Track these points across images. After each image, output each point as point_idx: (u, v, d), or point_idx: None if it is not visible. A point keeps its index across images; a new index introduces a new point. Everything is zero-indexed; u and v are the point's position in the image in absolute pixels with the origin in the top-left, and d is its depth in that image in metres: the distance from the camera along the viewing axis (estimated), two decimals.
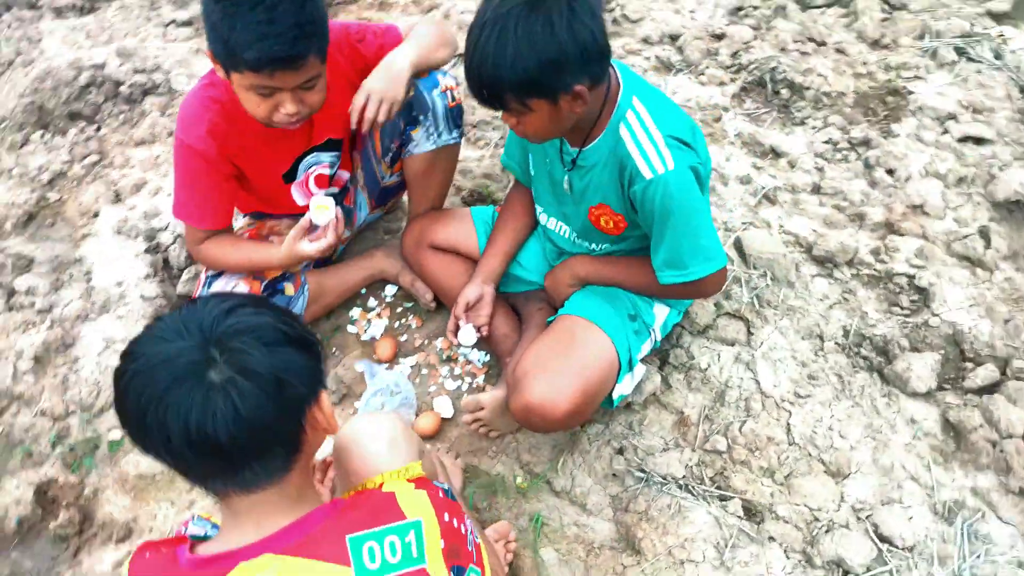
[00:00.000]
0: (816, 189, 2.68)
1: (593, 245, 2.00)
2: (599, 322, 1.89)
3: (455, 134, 2.14)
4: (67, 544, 1.86)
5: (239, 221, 2.33)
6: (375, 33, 2.00)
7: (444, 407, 2.11)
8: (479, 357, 2.26)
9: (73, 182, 2.84)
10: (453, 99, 2.09)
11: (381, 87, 1.89)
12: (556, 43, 1.48)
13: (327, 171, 2.14)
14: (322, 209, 1.87)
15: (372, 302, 2.42)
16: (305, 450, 1.12)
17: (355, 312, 2.38)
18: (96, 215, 2.70)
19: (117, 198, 2.75)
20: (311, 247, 1.88)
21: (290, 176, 2.08)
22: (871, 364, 2.14)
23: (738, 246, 2.40)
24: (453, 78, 2.13)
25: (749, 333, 2.20)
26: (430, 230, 2.26)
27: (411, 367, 2.25)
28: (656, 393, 2.07)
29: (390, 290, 2.44)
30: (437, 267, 2.24)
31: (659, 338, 2.01)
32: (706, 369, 2.11)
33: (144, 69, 3.27)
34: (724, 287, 2.29)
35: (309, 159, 2.08)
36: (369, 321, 2.37)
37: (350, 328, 2.35)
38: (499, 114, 1.74)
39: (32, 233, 2.66)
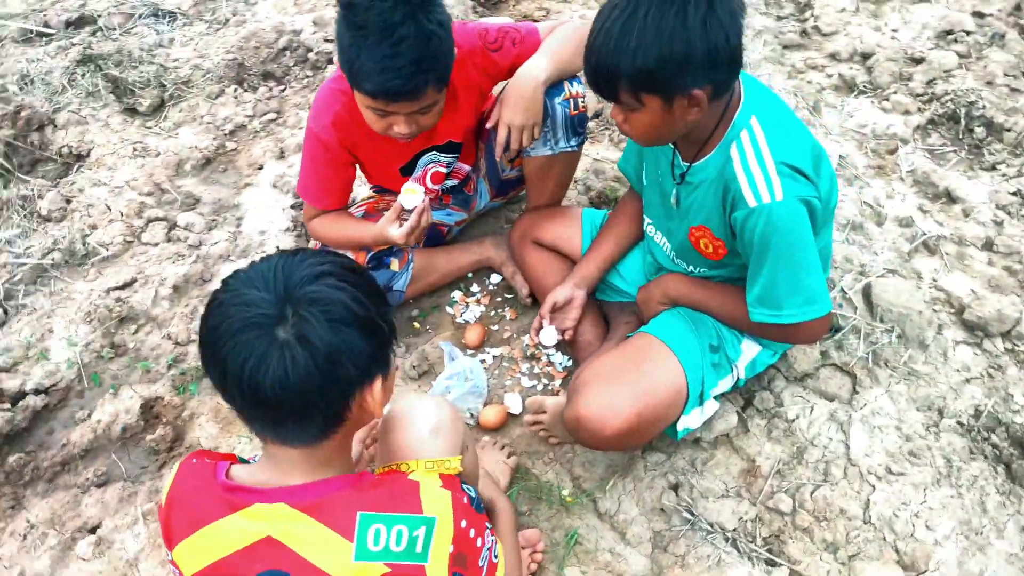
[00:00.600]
0: (988, 245, 2.35)
1: (691, 267, 1.89)
2: (674, 347, 1.79)
3: (573, 142, 2.10)
4: (157, 457, 2.08)
5: (363, 191, 2.46)
6: (514, 40, 2.00)
7: (513, 403, 2.10)
8: (561, 360, 2.23)
9: (250, 135, 3.13)
10: (576, 107, 2.04)
11: (520, 120, 1.93)
12: (685, 37, 1.39)
13: (443, 169, 2.21)
14: (410, 193, 1.92)
15: (475, 288, 2.46)
16: (346, 425, 1.16)
17: (456, 294, 2.43)
18: (261, 168, 2.97)
19: (281, 155, 2.99)
20: (397, 231, 1.95)
21: (407, 170, 2.17)
22: (999, 455, 1.85)
23: (867, 293, 2.16)
24: (581, 84, 2.09)
25: (854, 391, 1.98)
26: (536, 226, 2.25)
27: (494, 357, 2.26)
28: (729, 434, 1.93)
29: (495, 279, 2.46)
30: (536, 263, 2.23)
31: (743, 376, 1.87)
32: (793, 420, 1.93)
33: (333, 39, 3.52)
34: (838, 336, 2.08)
35: (427, 157, 2.16)
36: (467, 305, 2.41)
37: (448, 309, 2.40)
38: None
39: (206, 176, 2.97)
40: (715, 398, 1.86)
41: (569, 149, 2.12)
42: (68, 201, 2.80)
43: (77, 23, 3.78)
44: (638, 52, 1.42)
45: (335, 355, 1.06)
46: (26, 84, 3.32)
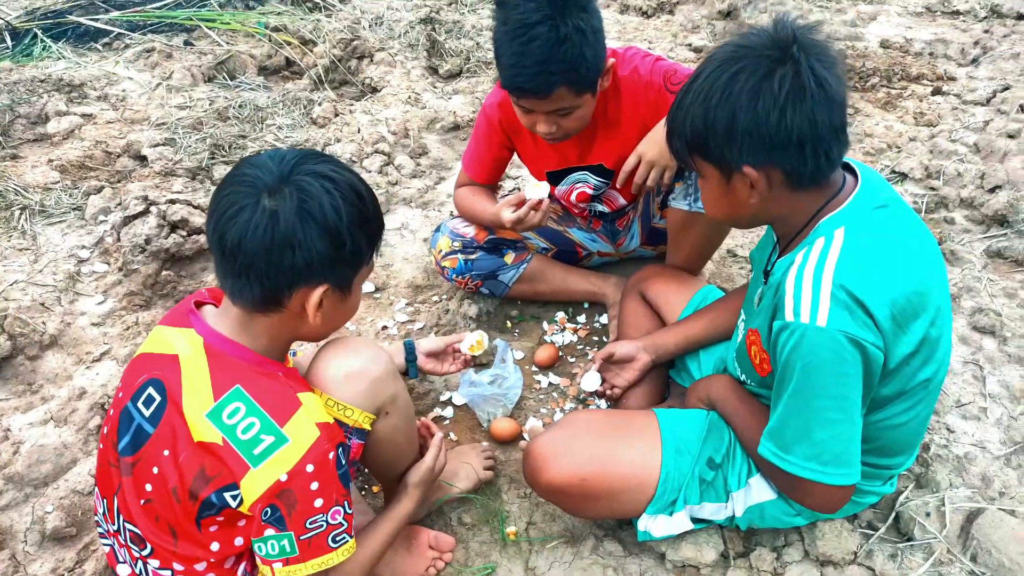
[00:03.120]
0: None
1: (742, 375, 1.65)
2: (665, 438, 1.60)
3: None
4: None
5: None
6: None
7: (533, 428, 2.02)
8: None
9: None
10: None
11: (653, 154, 1.87)
12: (729, 106, 1.28)
13: (590, 191, 2.20)
14: (536, 186, 1.97)
15: (581, 318, 2.39)
16: (284, 314, 1.26)
17: (560, 315, 2.39)
18: None
19: None
20: (510, 215, 1.99)
21: (555, 178, 2.20)
22: None
23: (971, 519, 1.67)
24: None
25: None
26: (649, 279, 2.14)
27: (550, 384, 2.19)
28: (700, 570, 1.65)
29: (605, 319, 2.37)
30: (629, 313, 2.12)
31: (738, 515, 1.59)
32: None
33: None
34: (903, 545, 1.65)
35: (577, 175, 2.17)
36: (563, 329, 2.36)
37: (545, 324, 2.37)
38: None
39: (445, 137, 3.28)
40: (694, 520, 1.61)
41: (704, 211, 1.96)
42: (336, 115, 3.29)
43: None
44: (690, 111, 1.34)
45: (289, 239, 1.17)
46: (375, 24, 3.96)
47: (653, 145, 1.87)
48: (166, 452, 1.24)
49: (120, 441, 1.30)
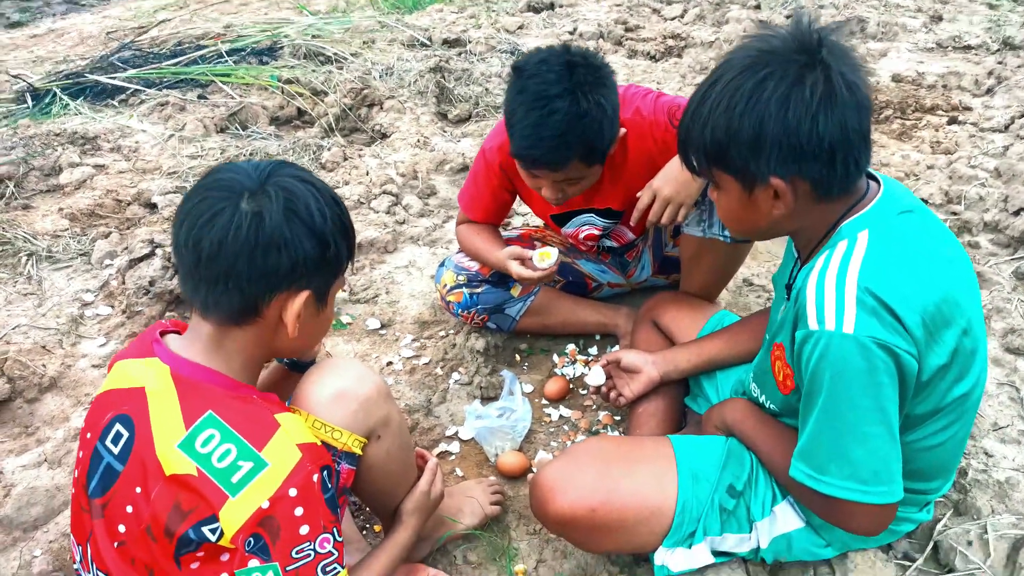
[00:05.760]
0: None
1: (763, 397, 1.56)
2: (681, 465, 1.50)
3: (727, 233, 1.88)
4: None
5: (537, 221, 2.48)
6: None
7: (542, 462, 1.93)
8: None
9: None
10: None
11: (669, 191, 1.82)
12: (756, 115, 1.20)
13: (597, 232, 2.15)
14: (544, 256, 1.94)
15: (593, 350, 2.31)
16: (260, 324, 1.19)
17: (570, 347, 2.32)
18: None
19: None
20: (516, 268, 1.95)
21: (560, 221, 2.15)
22: None
23: (1016, 549, 1.54)
24: None
25: None
26: (661, 305, 2.07)
27: (561, 416, 2.10)
28: None
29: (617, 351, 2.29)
30: (641, 340, 2.05)
31: (763, 546, 1.48)
32: None
33: None
34: None
35: (583, 217, 2.12)
36: (574, 361, 2.28)
37: (555, 357, 2.30)
38: None
39: (453, 178, 3.26)
40: (715, 553, 1.49)
41: (720, 238, 1.90)
42: (345, 159, 3.30)
43: (452, 43, 4.46)
44: (709, 120, 1.25)
45: (277, 239, 1.12)
46: (385, 74, 4.01)
47: (669, 182, 1.81)
48: (138, 489, 1.14)
49: (90, 483, 1.21)
